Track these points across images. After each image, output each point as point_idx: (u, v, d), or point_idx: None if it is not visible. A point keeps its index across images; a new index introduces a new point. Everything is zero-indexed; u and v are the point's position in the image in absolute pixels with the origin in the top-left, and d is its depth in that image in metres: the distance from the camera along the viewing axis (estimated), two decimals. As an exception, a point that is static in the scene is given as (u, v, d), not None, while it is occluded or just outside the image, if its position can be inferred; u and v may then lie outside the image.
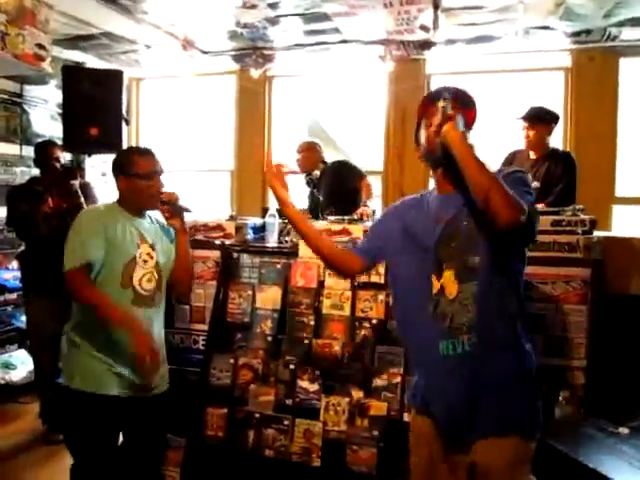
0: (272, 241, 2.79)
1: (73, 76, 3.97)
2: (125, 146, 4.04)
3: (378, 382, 2.36)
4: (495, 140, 3.93)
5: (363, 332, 2.46)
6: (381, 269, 2.46)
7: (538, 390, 1.58)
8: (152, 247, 2.07)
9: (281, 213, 2.90)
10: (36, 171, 3.72)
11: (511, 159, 3.49)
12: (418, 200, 1.71)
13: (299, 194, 4.14)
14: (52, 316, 3.11)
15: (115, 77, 4.07)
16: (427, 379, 1.63)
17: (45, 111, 4.86)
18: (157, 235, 2.13)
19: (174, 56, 4.75)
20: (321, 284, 2.58)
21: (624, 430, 1.95)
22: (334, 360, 2.45)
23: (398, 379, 2.34)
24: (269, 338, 2.59)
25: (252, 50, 4.77)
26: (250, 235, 2.88)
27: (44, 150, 3.51)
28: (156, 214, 2.19)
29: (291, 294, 2.61)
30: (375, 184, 4.27)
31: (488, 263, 1.49)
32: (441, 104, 1.49)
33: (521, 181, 1.53)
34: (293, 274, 2.62)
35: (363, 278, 2.49)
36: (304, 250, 2.57)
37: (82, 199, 3.35)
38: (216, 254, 2.78)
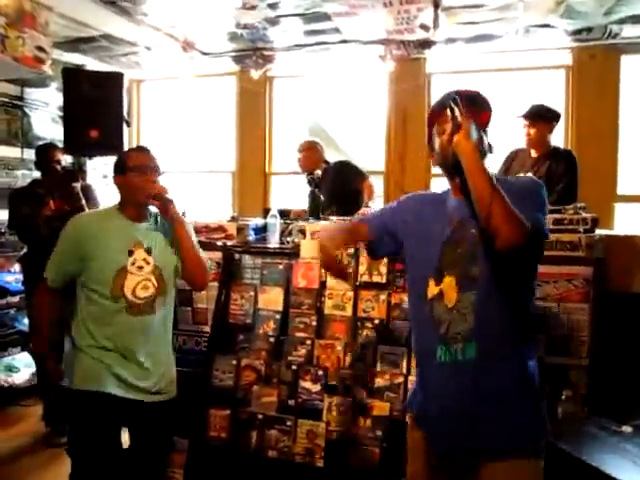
0: (274, 242, 2.79)
1: (73, 78, 3.97)
2: (126, 148, 4.05)
3: (380, 382, 2.36)
4: (496, 139, 3.91)
5: (365, 332, 2.46)
6: (382, 269, 2.47)
7: (542, 402, 1.54)
8: (148, 251, 2.03)
9: (282, 214, 2.92)
10: (37, 174, 3.73)
11: (512, 158, 3.48)
12: (437, 197, 1.68)
13: (299, 194, 4.15)
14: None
15: (115, 79, 4.07)
16: (425, 383, 1.61)
17: (46, 114, 4.87)
18: (156, 237, 2.09)
19: (174, 58, 4.76)
20: (323, 285, 2.57)
21: (627, 428, 1.95)
22: (336, 360, 2.45)
23: (401, 379, 2.34)
24: (271, 339, 2.59)
25: (252, 51, 4.76)
26: (252, 236, 2.87)
27: (45, 153, 3.52)
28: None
29: (293, 295, 2.61)
30: (376, 184, 4.28)
31: (488, 275, 1.46)
32: (450, 110, 1.45)
33: (534, 195, 1.48)
34: (295, 275, 2.62)
35: (365, 278, 2.49)
36: (306, 251, 2.57)
37: (83, 201, 3.36)
38: (218, 255, 2.78)
